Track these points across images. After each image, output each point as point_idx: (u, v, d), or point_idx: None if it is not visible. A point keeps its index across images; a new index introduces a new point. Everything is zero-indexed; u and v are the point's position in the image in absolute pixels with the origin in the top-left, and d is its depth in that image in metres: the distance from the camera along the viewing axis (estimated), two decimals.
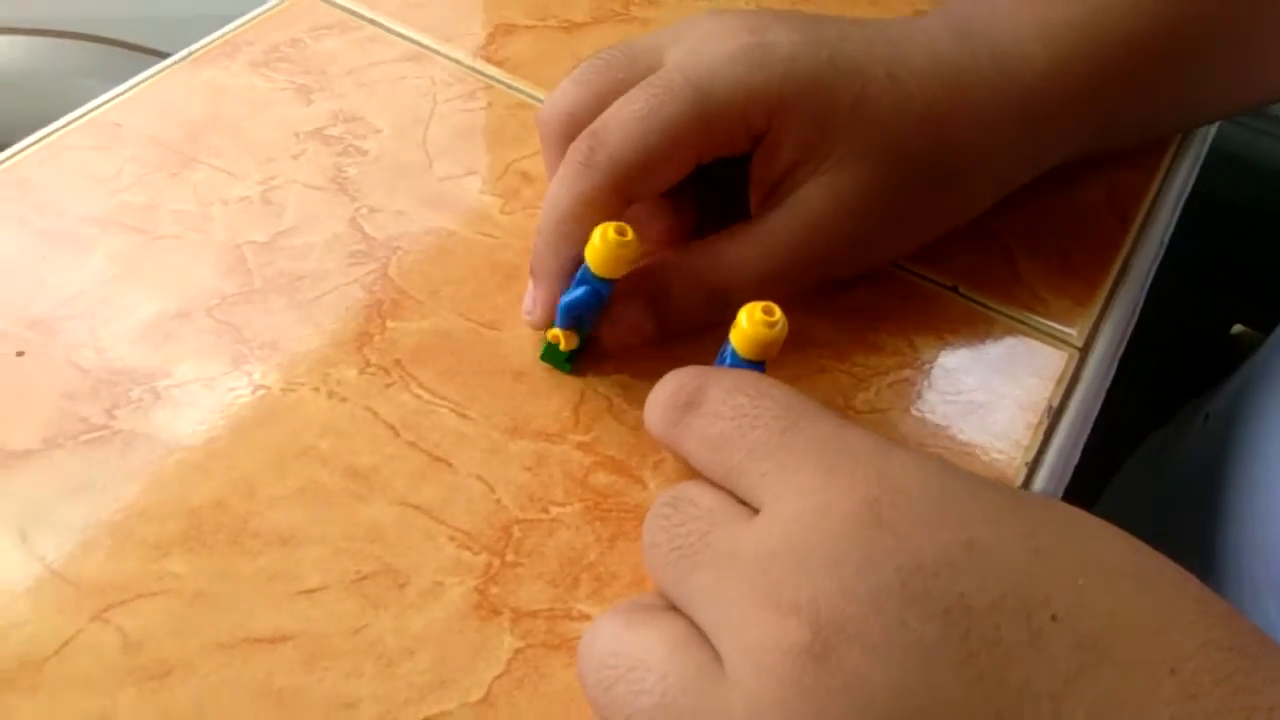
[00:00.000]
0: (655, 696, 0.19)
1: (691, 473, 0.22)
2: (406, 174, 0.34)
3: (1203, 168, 0.39)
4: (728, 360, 0.25)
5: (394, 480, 0.26)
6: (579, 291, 0.27)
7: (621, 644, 0.20)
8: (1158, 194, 0.36)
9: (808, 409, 0.21)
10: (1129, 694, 0.17)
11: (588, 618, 0.24)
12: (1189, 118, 0.37)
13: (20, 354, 0.28)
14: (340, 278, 0.31)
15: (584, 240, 0.26)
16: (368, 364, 0.29)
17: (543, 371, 0.29)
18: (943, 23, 0.30)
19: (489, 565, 0.25)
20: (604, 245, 0.25)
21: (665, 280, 0.29)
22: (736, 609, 0.18)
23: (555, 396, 0.28)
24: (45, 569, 0.24)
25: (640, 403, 0.24)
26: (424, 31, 0.39)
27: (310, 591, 0.24)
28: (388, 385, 0.28)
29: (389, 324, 0.30)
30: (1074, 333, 0.31)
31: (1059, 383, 0.30)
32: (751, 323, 0.24)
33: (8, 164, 0.33)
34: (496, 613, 0.24)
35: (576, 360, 0.29)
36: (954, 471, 0.20)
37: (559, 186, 0.27)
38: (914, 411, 0.29)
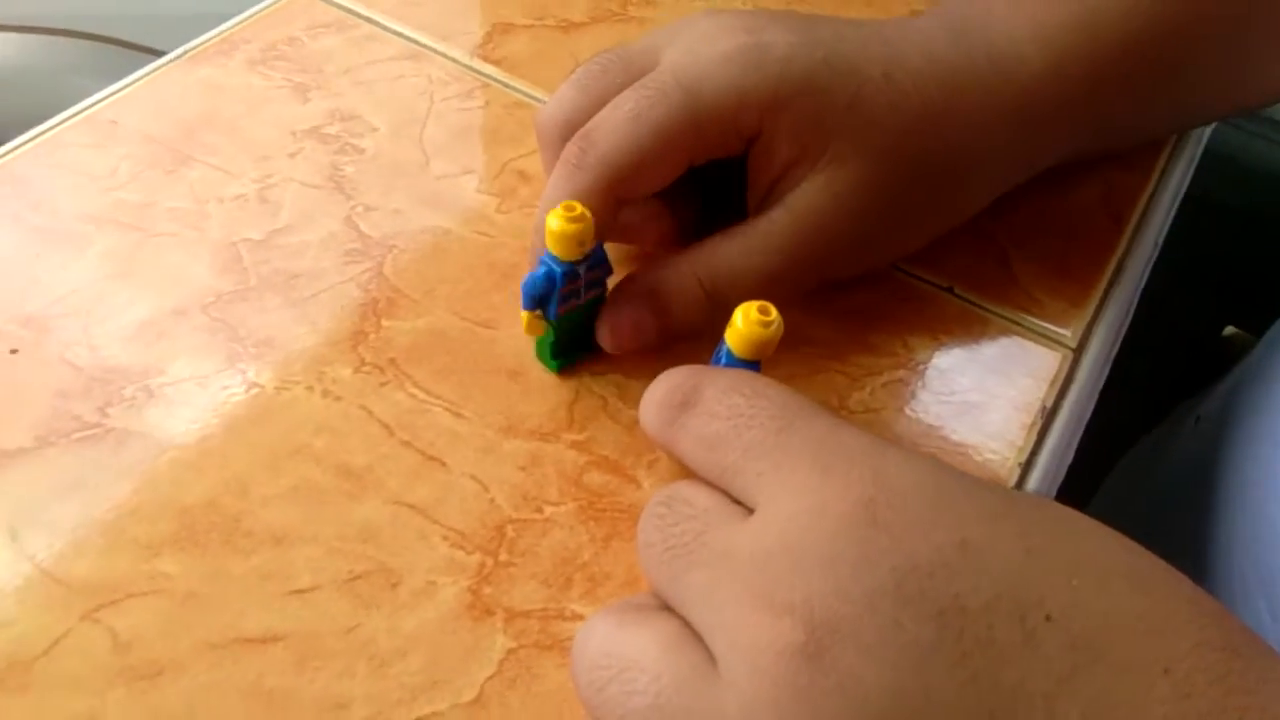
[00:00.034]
0: (648, 697, 0.18)
1: (686, 472, 0.22)
2: (403, 172, 0.34)
3: (1197, 170, 0.39)
4: (723, 360, 0.25)
5: (388, 479, 0.26)
6: (538, 271, 0.26)
7: (615, 644, 0.20)
8: (1152, 196, 0.36)
9: (803, 409, 0.21)
10: (1123, 694, 0.17)
11: (581, 618, 0.24)
12: (1184, 120, 0.37)
13: (13, 351, 0.28)
14: (336, 276, 0.31)
15: None
16: (362, 363, 0.29)
17: (538, 371, 0.29)
18: (938, 23, 0.31)
19: (482, 565, 0.25)
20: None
21: (664, 282, 0.29)
22: (731, 609, 0.18)
23: (550, 396, 0.28)
24: (35, 568, 0.24)
25: (635, 402, 0.24)
26: (421, 30, 0.39)
27: (302, 591, 0.24)
28: (382, 384, 0.28)
29: (384, 323, 0.30)
30: (1068, 334, 0.31)
31: (1053, 383, 0.30)
32: (747, 322, 0.24)
33: (2, 161, 0.33)
34: (489, 613, 0.24)
35: (568, 363, 0.29)
36: (948, 471, 0.20)
37: (553, 187, 0.27)
38: (908, 411, 0.29)
